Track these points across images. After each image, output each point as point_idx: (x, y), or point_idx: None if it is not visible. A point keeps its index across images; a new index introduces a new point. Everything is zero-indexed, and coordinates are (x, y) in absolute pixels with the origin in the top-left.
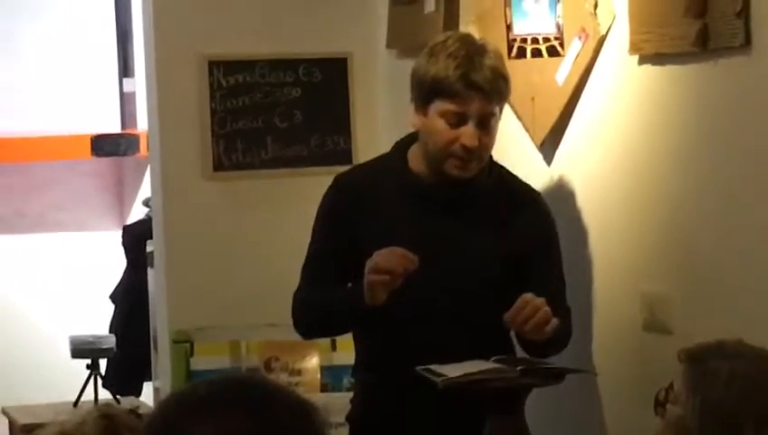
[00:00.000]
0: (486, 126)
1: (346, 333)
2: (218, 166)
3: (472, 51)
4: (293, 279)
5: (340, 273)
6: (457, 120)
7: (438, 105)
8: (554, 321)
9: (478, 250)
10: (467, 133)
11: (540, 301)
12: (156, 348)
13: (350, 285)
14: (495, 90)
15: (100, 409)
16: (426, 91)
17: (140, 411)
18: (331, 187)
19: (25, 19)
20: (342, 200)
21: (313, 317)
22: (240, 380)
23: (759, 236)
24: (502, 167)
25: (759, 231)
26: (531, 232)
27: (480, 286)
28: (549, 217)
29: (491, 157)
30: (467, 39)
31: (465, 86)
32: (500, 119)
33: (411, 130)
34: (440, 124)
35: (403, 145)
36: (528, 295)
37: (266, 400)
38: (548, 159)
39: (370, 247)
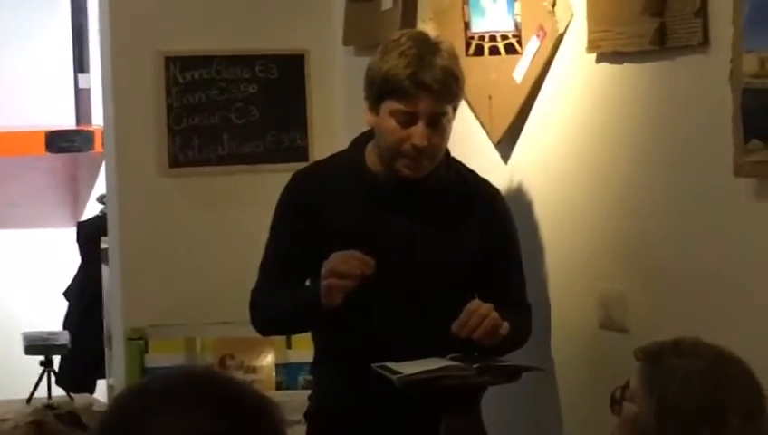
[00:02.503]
0: (437, 126)
1: (303, 332)
2: (174, 162)
3: (424, 50)
4: (249, 276)
5: (298, 269)
6: (407, 120)
7: (389, 104)
8: (505, 325)
9: (435, 248)
10: (417, 133)
11: (486, 308)
12: (110, 345)
13: (308, 283)
14: (445, 90)
15: (34, 413)
16: (377, 90)
17: (95, 408)
18: (289, 183)
19: None
20: (300, 197)
21: (270, 316)
22: (195, 374)
23: (716, 236)
24: (461, 164)
25: (716, 230)
26: (490, 229)
27: (437, 284)
28: (508, 215)
29: (448, 153)
30: (420, 38)
31: (413, 86)
32: (453, 118)
33: (368, 127)
34: (391, 123)
35: (360, 142)
36: (474, 304)
37: (222, 394)
38: (505, 157)
39: (328, 244)
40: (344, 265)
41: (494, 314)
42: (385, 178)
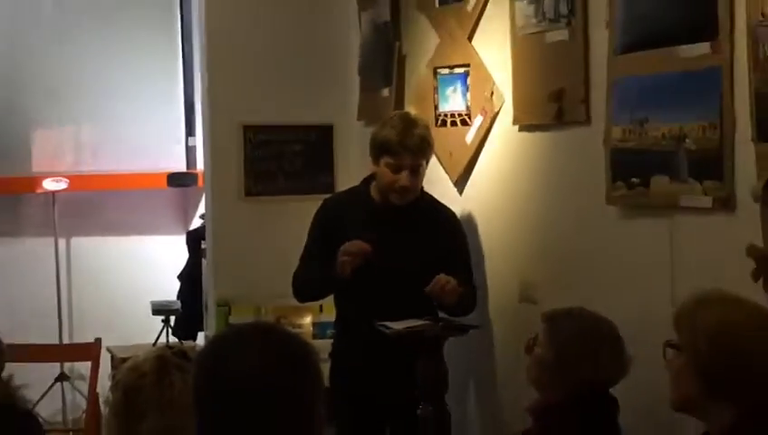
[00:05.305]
0: (416, 173)
1: (324, 297)
2: (248, 193)
3: (407, 124)
4: (295, 266)
5: (323, 260)
6: (396, 169)
7: (385, 159)
8: (460, 290)
9: (414, 250)
10: (403, 178)
11: (448, 278)
12: (206, 310)
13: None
14: (422, 150)
15: (156, 350)
16: (377, 150)
17: (197, 350)
18: (320, 205)
19: (121, 98)
20: (326, 215)
21: (304, 286)
22: (260, 324)
23: (594, 242)
24: (430, 195)
25: (595, 238)
26: (449, 237)
27: (415, 274)
28: (461, 228)
29: (422, 189)
30: (406, 116)
31: (401, 148)
32: (426, 167)
33: (371, 172)
34: (386, 171)
35: (367, 180)
36: (442, 275)
37: (279, 337)
38: (460, 191)
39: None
40: (351, 247)
41: (455, 281)
42: (382, 205)
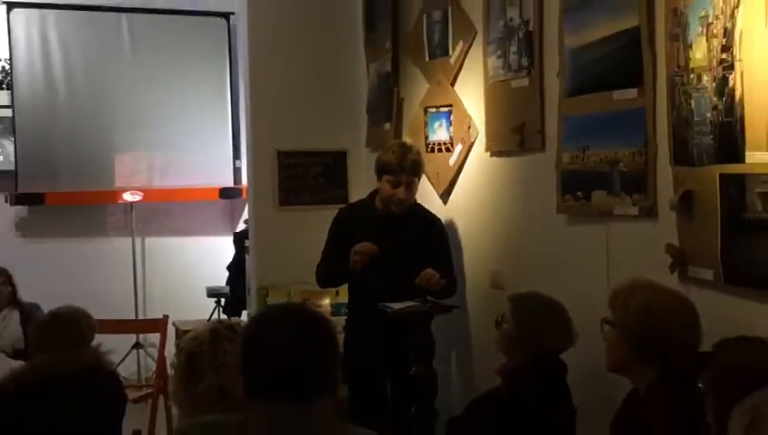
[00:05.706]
0: (410, 187)
1: (342, 284)
2: (282, 203)
3: (404, 149)
4: (317, 260)
5: (339, 255)
6: (395, 185)
7: (386, 177)
8: (443, 281)
9: (408, 248)
10: (400, 192)
11: (433, 272)
12: (249, 293)
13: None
14: (415, 170)
15: (211, 324)
16: (379, 170)
17: (242, 325)
18: (336, 214)
19: (183, 129)
20: (341, 221)
21: (325, 277)
22: (292, 304)
23: (547, 242)
24: (422, 205)
25: (548, 239)
26: (435, 239)
27: (409, 267)
28: (444, 231)
29: (415, 200)
30: (403, 143)
31: (399, 168)
32: (419, 183)
33: (375, 187)
34: (387, 187)
35: (372, 194)
36: (428, 269)
37: (305, 314)
38: (444, 202)
39: (353, 245)
40: (361, 247)
41: (438, 274)
42: (384, 213)
